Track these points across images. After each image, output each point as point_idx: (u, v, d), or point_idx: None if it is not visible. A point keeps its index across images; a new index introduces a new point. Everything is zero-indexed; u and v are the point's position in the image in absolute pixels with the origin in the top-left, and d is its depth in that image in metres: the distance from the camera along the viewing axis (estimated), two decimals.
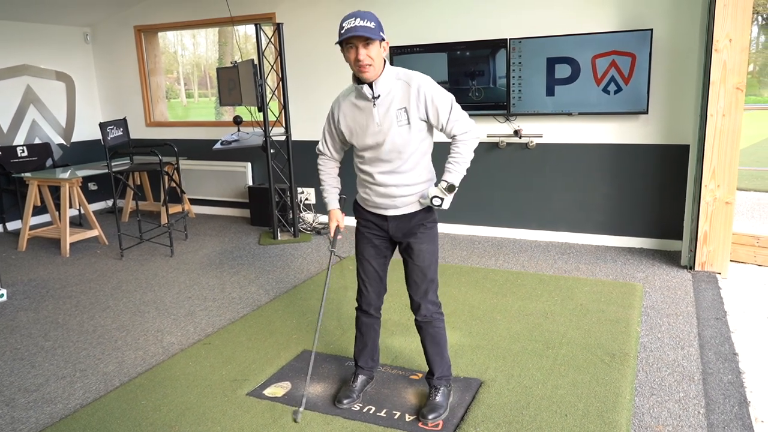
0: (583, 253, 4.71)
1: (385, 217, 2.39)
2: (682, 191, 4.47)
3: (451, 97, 2.27)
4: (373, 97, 2.23)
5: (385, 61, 2.23)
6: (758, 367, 2.86)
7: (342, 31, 2.12)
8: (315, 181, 5.86)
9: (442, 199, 2.28)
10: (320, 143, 2.52)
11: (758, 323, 3.35)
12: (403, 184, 2.31)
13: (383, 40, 2.18)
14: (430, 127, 2.33)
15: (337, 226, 2.54)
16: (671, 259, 4.49)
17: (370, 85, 2.22)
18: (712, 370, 2.81)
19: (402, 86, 2.24)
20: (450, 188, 2.26)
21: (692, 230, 4.16)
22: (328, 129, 2.46)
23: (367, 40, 2.12)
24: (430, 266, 2.41)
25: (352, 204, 2.54)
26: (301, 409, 2.52)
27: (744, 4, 3.73)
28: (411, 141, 2.26)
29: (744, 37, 3.78)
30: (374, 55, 2.15)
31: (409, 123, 2.23)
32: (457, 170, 2.27)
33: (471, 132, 2.28)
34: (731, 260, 4.20)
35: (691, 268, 4.21)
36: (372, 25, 2.12)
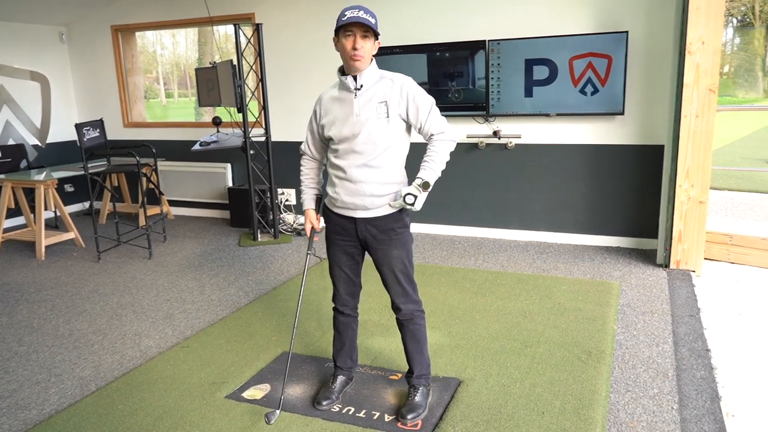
0: (562, 253, 4.77)
1: (353, 220, 2.37)
2: (658, 191, 4.55)
3: (432, 99, 2.33)
4: (356, 88, 2.28)
5: (372, 59, 2.30)
6: (730, 362, 2.92)
7: (344, 19, 2.19)
8: (295, 182, 5.85)
9: (415, 197, 2.26)
10: (303, 143, 2.56)
11: (730, 320, 3.42)
12: (373, 181, 2.30)
13: (377, 38, 2.26)
14: (408, 128, 2.36)
15: (313, 227, 2.55)
16: (647, 257, 4.56)
17: (355, 78, 2.27)
18: (685, 366, 2.86)
19: (386, 83, 2.30)
20: (425, 185, 2.26)
21: (667, 229, 4.23)
22: (310, 127, 2.50)
23: (366, 31, 2.21)
24: (404, 270, 2.41)
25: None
26: (278, 411, 2.50)
27: (716, 7, 3.80)
28: (387, 135, 2.28)
29: (716, 40, 3.86)
30: (368, 48, 2.23)
31: (388, 117, 2.27)
32: (432, 168, 2.28)
33: (448, 133, 2.31)
34: (705, 258, 4.28)
35: (666, 267, 4.28)
36: (373, 20, 2.22)
